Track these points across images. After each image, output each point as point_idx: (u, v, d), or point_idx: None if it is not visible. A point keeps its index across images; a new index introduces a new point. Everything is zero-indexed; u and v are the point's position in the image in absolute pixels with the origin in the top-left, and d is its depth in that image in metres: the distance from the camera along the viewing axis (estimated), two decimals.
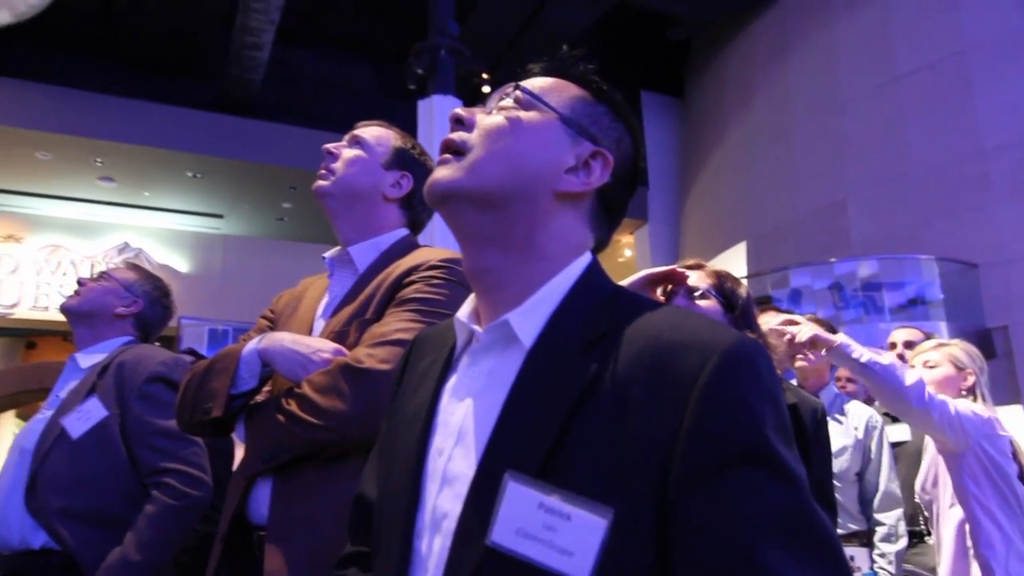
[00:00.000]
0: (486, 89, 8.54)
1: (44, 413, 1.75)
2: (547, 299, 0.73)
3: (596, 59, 0.86)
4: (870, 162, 8.22)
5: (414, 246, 1.40)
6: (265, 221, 11.38)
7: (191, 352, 2.62)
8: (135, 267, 2.06)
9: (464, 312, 0.79)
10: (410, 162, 1.45)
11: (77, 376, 1.80)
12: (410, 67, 7.87)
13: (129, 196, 10.31)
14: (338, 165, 1.39)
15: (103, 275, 1.94)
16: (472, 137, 0.77)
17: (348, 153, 1.41)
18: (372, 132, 1.45)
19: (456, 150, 0.77)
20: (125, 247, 10.86)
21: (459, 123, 0.79)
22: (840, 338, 1.94)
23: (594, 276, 0.76)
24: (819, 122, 8.87)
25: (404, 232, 1.43)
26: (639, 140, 0.83)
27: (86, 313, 1.87)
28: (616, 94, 0.83)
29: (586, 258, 0.77)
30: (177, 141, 9.15)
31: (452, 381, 0.77)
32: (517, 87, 0.80)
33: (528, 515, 0.60)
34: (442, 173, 0.76)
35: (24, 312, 10.26)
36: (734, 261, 9.35)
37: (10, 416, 11.83)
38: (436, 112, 7.45)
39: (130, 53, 9.72)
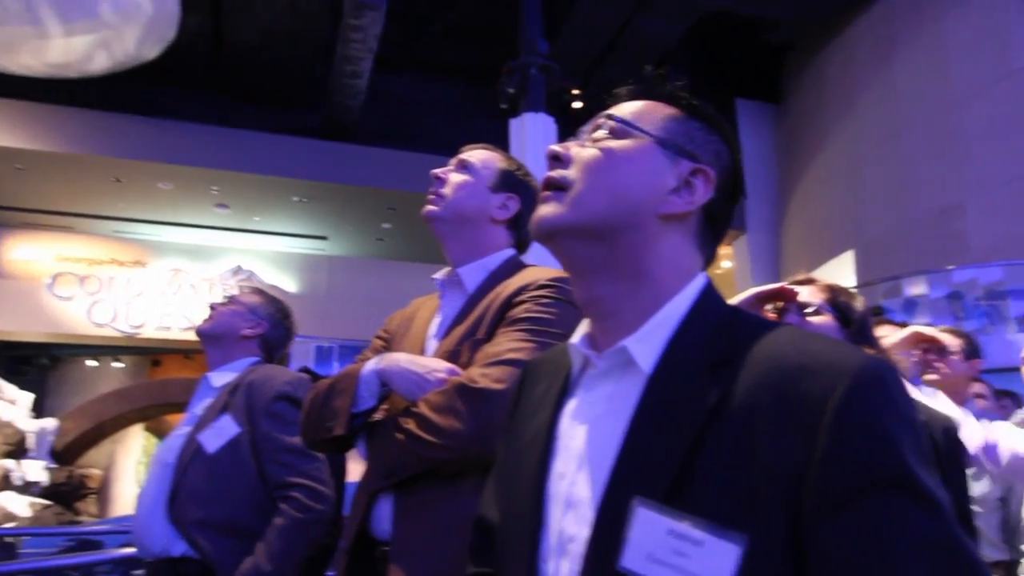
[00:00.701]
0: (577, 105, 8.57)
1: (182, 429, 1.88)
2: (664, 323, 0.73)
3: (687, 70, 0.86)
4: (989, 162, 7.70)
5: (521, 266, 1.43)
6: (366, 241, 11.79)
7: (306, 371, 2.76)
8: (259, 291, 2.18)
9: (578, 338, 0.80)
10: (516, 184, 1.48)
11: (211, 394, 1.92)
12: (501, 87, 8.00)
13: (241, 221, 10.93)
14: (447, 190, 1.43)
15: (231, 299, 2.07)
16: (571, 172, 0.78)
17: (456, 177, 1.45)
18: (478, 155, 1.48)
19: (557, 186, 0.78)
20: (238, 269, 11.51)
21: (556, 159, 0.80)
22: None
23: (710, 298, 0.76)
24: (930, 122, 8.39)
25: (511, 252, 1.46)
26: (736, 150, 0.83)
27: (217, 335, 1.99)
28: (708, 107, 0.83)
29: (700, 280, 0.77)
30: (284, 168, 9.65)
31: (571, 406, 0.78)
32: (610, 117, 0.81)
33: (658, 541, 0.61)
34: (546, 210, 0.78)
35: (150, 332, 11.03)
36: (841, 270, 8.95)
37: (139, 428, 12.72)
38: (528, 130, 7.53)
39: (240, 87, 10.33)
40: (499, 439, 0.96)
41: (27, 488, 10.00)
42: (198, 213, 10.61)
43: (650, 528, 0.62)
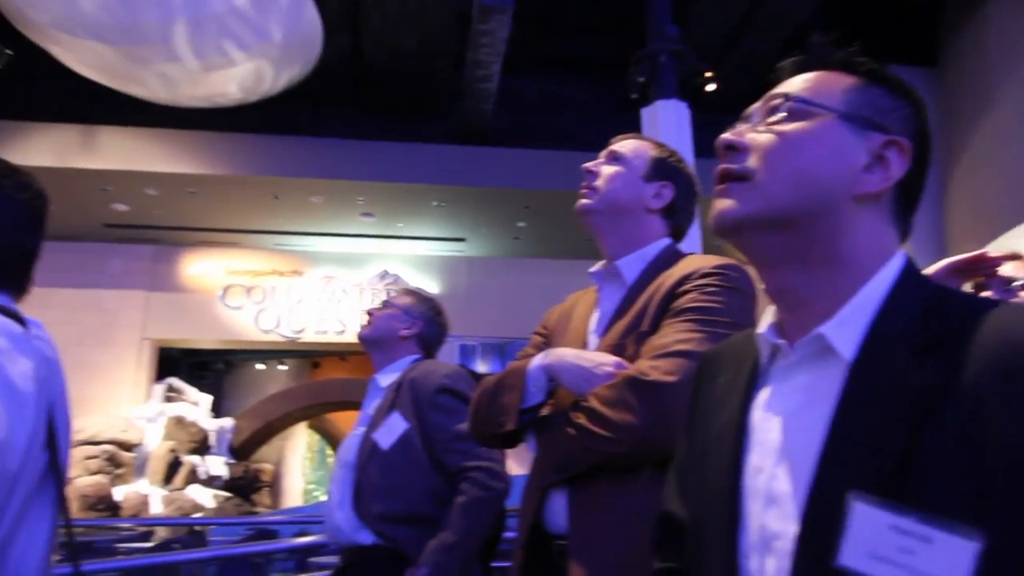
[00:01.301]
0: (711, 87, 8.29)
1: (358, 429, 2.01)
2: (863, 307, 0.69)
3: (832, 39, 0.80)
4: None
5: (679, 255, 1.41)
6: (502, 241, 12.04)
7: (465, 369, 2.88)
8: (411, 292, 2.27)
9: (765, 326, 0.77)
10: (669, 171, 1.46)
11: (379, 395, 2.05)
12: (632, 77, 7.89)
13: (386, 228, 11.48)
14: (599, 183, 1.43)
15: (386, 303, 2.16)
16: (751, 161, 0.74)
17: (607, 169, 1.44)
18: (629, 145, 1.47)
19: (737, 176, 0.74)
20: (385, 274, 12.11)
21: (731, 149, 0.76)
22: None
23: (912, 277, 0.71)
24: None
25: (667, 241, 1.44)
26: (924, 112, 0.76)
27: (377, 339, 2.10)
28: (886, 69, 0.77)
29: (899, 259, 0.72)
30: (422, 175, 10.04)
31: (762, 397, 0.75)
32: (785, 96, 0.76)
33: (879, 537, 0.58)
34: (728, 204, 0.74)
35: (309, 336, 11.84)
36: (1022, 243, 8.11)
37: (303, 426, 13.70)
38: (660, 118, 7.38)
39: (378, 101, 10.85)
40: (673, 432, 0.95)
41: (211, 481, 11.02)
42: (347, 223, 11.26)
43: (870, 524, 0.59)
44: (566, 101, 11.01)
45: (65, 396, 0.95)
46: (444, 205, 10.63)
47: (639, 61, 7.37)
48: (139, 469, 10.48)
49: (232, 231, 11.51)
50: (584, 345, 1.36)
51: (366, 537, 1.82)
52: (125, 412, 10.67)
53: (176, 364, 12.39)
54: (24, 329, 0.89)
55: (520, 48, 9.55)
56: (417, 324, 2.12)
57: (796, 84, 0.77)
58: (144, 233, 11.34)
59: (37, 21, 7.23)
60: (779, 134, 0.74)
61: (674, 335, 1.21)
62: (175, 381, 11.68)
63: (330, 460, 16.03)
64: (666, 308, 1.28)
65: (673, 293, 1.28)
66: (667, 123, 7.32)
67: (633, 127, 7.64)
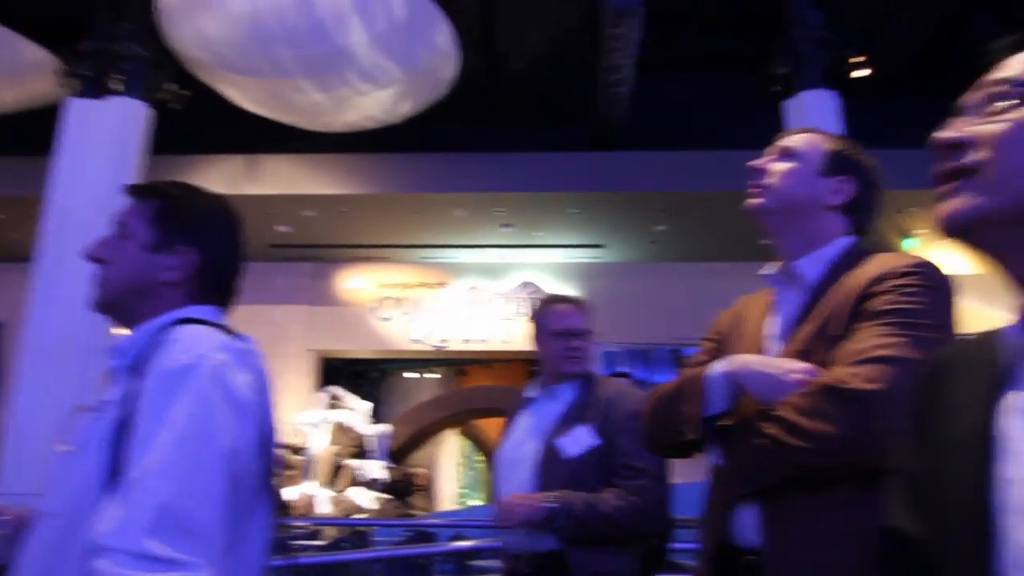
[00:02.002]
0: (860, 73, 7.77)
1: (519, 435, 2.06)
2: None
3: (996, 11, 0.71)
4: None
5: (865, 253, 1.32)
6: (640, 246, 11.88)
7: (622, 375, 2.85)
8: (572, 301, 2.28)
9: (1011, 326, 0.71)
10: (848, 164, 1.37)
11: (553, 404, 2.08)
12: (772, 69, 7.57)
13: (525, 238, 11.67)
14: (771, 180, 1.36)
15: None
16: (979, 154, 0.69)
17: (779, 166, 1.37)
18: (801, 139, 1.40)
19: (965, 172, 0.69)
20: (526, 283, 12.32)
21: (954, 147, 0.71)
22: None
23: None
24: None
25: (850, 240, 1.35)
26: None
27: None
28: None
29: None
30: (559, 183, 10.13)
31: (1013, 402, 0.69)
32: (1011, 82, 0.69)
33: None
34: (960, 202, 0.69)
35: (456, 345, 12.26)
36: None
37: (453, 432, 14.18)
38: (807, 110, 7.03)
39: (513, 113, 11.08)
40: (877, 444, 0.90)
41: (371, 484, 11.64)
42: (487, 234, 11.56)
43: None
44: (702, 100, 10.72)
45: (272, 406, 1.04)
46: (581, 212, 10.66)
47: (780, 51, 7.06)
48: (306, 471, 11.26)
49: (382, 246, 12.15)
50: (761, 351, 1.30)
51: (549, 543, 1.85)
52: (293, 418, 11.50)
53: (337, 373, 13.23)
54: (242, 344, 1.00)
55: (652, 49, 9.41)
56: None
57: (1019, 68, 0.70)
58: (305, 252, 12.23)
59: (205, 62, 8.03)
60: (1014, 122, 0.68)
61: (873, 340, 1.13)
62: (336, 389, 12.47)
63: (479, 466, 16.44)
64: (858, 311, 1.20)
65: (866, 294, 1.20)
66: (814, 115, 6.96)
67: (776, 121, 7.31)
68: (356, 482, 11.48)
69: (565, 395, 2.05)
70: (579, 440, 1.90)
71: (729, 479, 1.23)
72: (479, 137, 10.70)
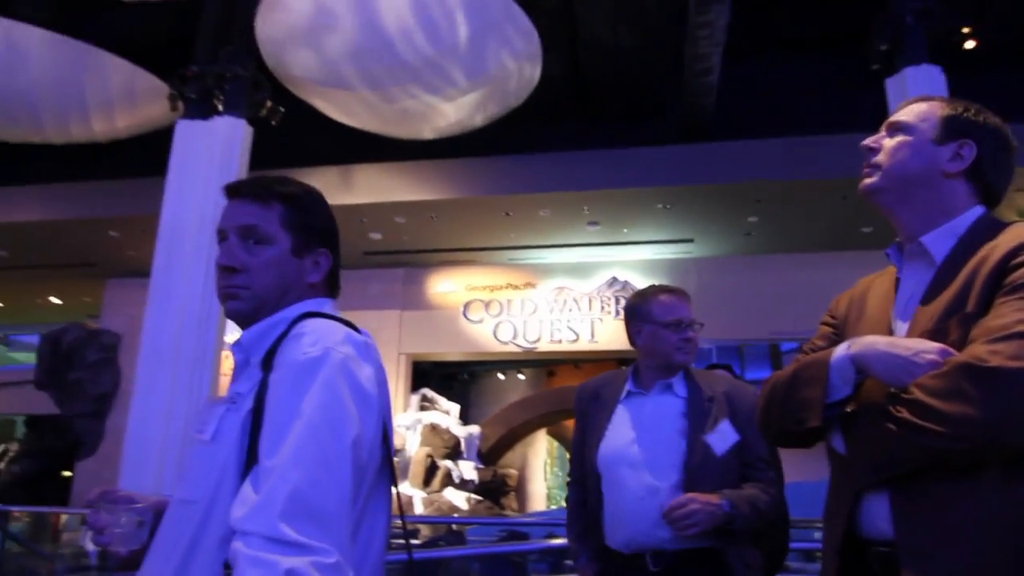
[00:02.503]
0: (970, 44, 7.33)
1: (627, 432, 2.01)
2: None
3: None
4: None
5: (997, 224, 1.24)
6: (733, 238, 11.58)
7: (722, 367, 2.77)
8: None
9: None
10: (968, 127, 1.29)
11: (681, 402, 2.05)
12: (872, 46, 7.24)
13: (612, 235, 11.58)
14: (881, 158, 1.31)
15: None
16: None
17: (889, 142, 1.32)
18: (912, 110, 1.34)
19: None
20: (613, 281, 12.21)
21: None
22: None
23: None
24: None
25: (980, 210, 1.28)
26: None
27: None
28: None
29: None
30: (646, 178, 9.99)
31: None
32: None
33: None
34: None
35: (544, 346, 12.28)
36: None
37: (543, 433, 14.20)
38: (911, 87, 6.70)
39: (597, 109, 11.03)
40: None
41: (464, 485, 11.81)
42: (573, 233, 11.53)
43: None
44: (794, 84, 10.36)
45: (389, 399, 1.07)
46: (670, 207, 10.48)
47: (880, 26, 6.74)
48: (402, 472, 11.52)
49: (470, 250, 12.31)
50: (888, 332, 1.25)
51: (677, 541, 1.82)
52: None
53: (427, 375, 13.48)
54: (363, 338, 1.03)
55: (739, 35, 9.18)
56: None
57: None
58: (395, 258, 12.53)
59: (300, 78, 8.35)
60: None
61: (1015, 314, 1.07)
62: (428, 391, 12.71)
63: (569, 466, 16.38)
64: (996, 285, 1.13)
65: (1005, 267, 1.14)
66: (917, 92, 6.61)
67: (877, 102, 6.98)
68: (449, 482, 11.66)
69: (679, 389, 2.00)
70: (726, 436, 1.88)
71: (856, 467, 1.18)
72: (563, 135, 10.70)
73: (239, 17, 8.45)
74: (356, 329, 1.05)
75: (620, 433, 1.99)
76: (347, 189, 10.92)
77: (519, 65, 8.04)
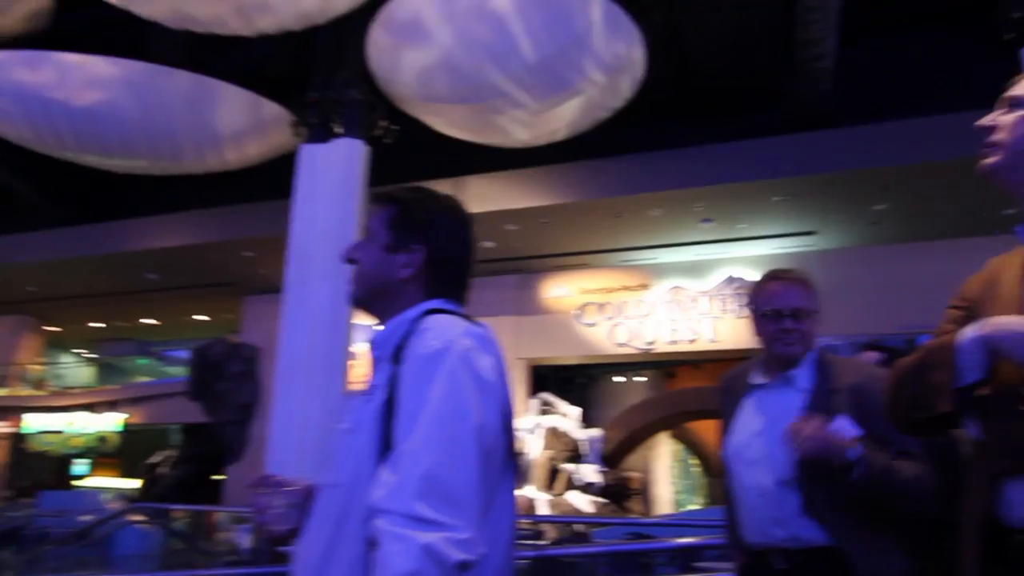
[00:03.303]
0: None
1: (752, 427, 1.94)
2: None
3: None
4: None
5: None
6: (858, 228, 10.98)
7: (878, 348, 2.56)
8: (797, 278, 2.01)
9: None
10: None
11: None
12: (1002, 15, 6.72)
13: (726, 232, 11.27)
14: (1001, 135, 1.26)
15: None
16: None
17: (1007, 119, 1.27)
18: None
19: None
20: (731, 279, 11.87)
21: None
22: None
23: None
24: None
25: None
26: None
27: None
28: None
29: None
30: (760, 171, 9.66)
31: None
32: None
33: None
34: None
35: (662, 347, 12.10)
36: None
37: (666, 436, 13.96)
38: None
39: (705, 104, 10.77)
40: None
41: (586, 488, 11.81)
42: (687, 231, 11.31)
43: None
44: (915, 63, 9.70)
45: (510, 388, 1.13)
46: (787, 199, 10.08)
47: None
48: (525, 475, 11.66)
49: (582, 253, 12.33)
50: (1021, 312, 1.20)
51: (817, 535, 1.71)
52: None
53: (546, 380, 13.59)
54: (482, 331, 1.11)
55: (853, 16, 8.70)
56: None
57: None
58: (508, 265, 12.74)
59: (412, 96, 8.69)
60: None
61: None
62: (547, 395, 12.81)
63: (694, 470, 16.02)
64: None
65: None
66: None
67: (1009, 73, 6.43)
68: (572, 486, 11.69)
69: (802, 381, 1.88)
70: (842, 432, 1.76)
71: (992, 453, 1.14)
72: (671, 133, 10.53)
73: (351, 43, 8.91)
74: (477, 323, 1.12)
75: (742, 428, 1.93)
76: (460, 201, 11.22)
77: (624, 65, 8.01)
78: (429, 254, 1.18)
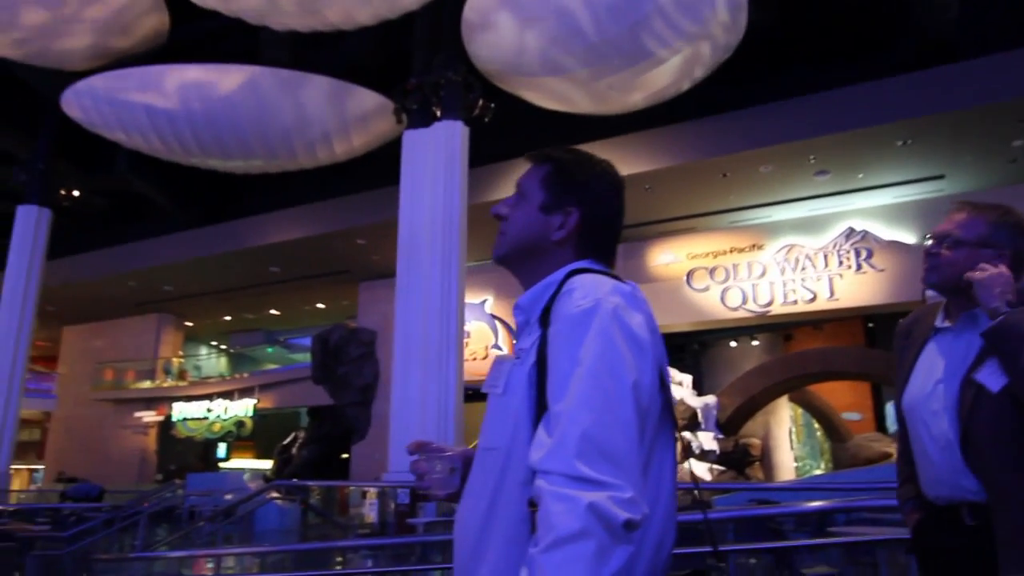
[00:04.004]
0: None
1: (927, 374, 1.80)
2: None
3: None
4: None
5: None
6: (994, 168, 10.13)
7: None
8: (974, 208, 1.73)
9: None
10: None
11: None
12: None
13: (843, 183, 10.67)
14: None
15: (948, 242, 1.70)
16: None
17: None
18: None
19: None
20: (850, 232, 11.25)
21: None
22: None
23: None
24: None
25: None
26: None
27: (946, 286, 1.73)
28: None
29: None
30: (879, 115, 9.06)
31: None
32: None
33: None
34: None
35: (777, 309, 11.65)
36: None
37: (785, 401, 13.50)
38: None
39: (814, 49, 10.19)
40: None
41: (704, 456, 11.61)
42: (800, 186, 10.80)
43: None
44: None
45: (664, 346, 1.10)
46: (911, 142, 9.41)
47: None
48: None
49: (688, 217, 12.02)
50: None
51: (978, 491, 1.62)
52: None
53: None
54: (630, 288, 1.09)
55: None
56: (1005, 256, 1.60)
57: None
58: None
59: (507, 72, 8.68)
60: None
61: None
62: None
63: (817, 434, 15.44)
64: None
65: None
66: None
67: None
68: (690, 454, 11.52)
69: (985, 320, 1.69)
70: (997, 375, 1.62)
71: None
72: (778, 84, 10.03)
73: (447, 25, 9.00)
74: (624, 281, 1.11)
75: (922, 376, 1.79)
76: None
77: (724, 14, 7.69)
78: (583, 216, 1.16)
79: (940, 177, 10.38)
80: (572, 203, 1.16)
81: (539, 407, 1.01)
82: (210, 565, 6.09)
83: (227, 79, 9.37)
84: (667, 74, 8.21)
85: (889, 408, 12.61)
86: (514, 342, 1.21)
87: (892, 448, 9.61)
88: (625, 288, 1.07)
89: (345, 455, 15.81)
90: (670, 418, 1.09)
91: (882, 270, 10.90)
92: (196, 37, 11.51)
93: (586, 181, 1.18)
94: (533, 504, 0.94)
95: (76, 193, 13.36)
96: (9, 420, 12.05)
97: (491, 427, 1.10)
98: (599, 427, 0.93)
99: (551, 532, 0.88)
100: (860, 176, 10.43)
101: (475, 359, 13.53)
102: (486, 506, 1.04)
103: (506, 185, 11.51)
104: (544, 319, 1.06)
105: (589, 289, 1.03)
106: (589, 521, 0.87)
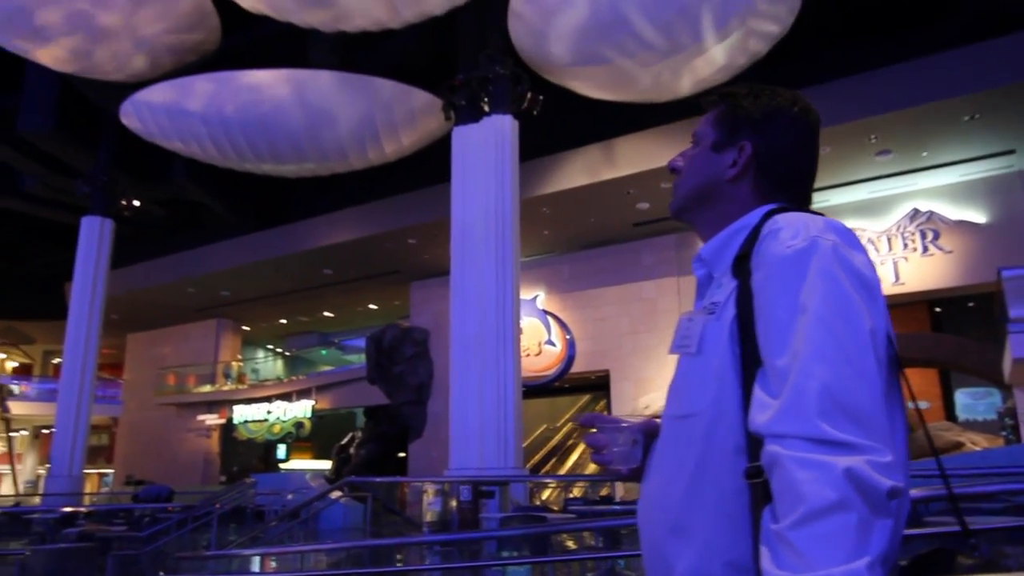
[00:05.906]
0: None
1: None
2: None
3: None
4: None
5: None
6: None
7: None
8: None
9: None
10: None
11: None
12: None
13: (907, 162, 10.28)
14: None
15: None
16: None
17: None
18: None
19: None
20: (915, 213, 10.85)
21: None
22: None
23: None
24: None
25: None
26: None
27: None
28: None
29: None
30: (945, 89, 8.69)
31: None
32: None
33: None
34: None
35: None
36: None
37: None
38: None
39: (871, 24, 9.85)
40: None
41: None
42: (860, 167, 10.44)
43: None
44: None
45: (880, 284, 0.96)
46: (979, 116, 9.01)
47: None
48: None
49: None
50: None
51: None
52: None
53: None
54: (843, 225, 0.97)
55: None
56: None
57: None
58: (666, 225, 12.40)
59: (555, 64, 8.59)
60: None
61: None
62: None
63: None
64: None
65: None
66: None
67: None
68: None
69: None
70: None
71: None
72: (832, 61, 9.71)
73: (493, 20, 8.95)
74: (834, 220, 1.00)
75: None
76: (610, 164, 11.03)
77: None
78: (757, 150, 1.04)
79: (1011, 152, 9.92)
80: (744, 137, 1.05)
81: (747, 365, 0.89)
82: (292, 563, 6.17)
83: (279, 84, 9.51)
84: (722, 55, 8.02)
85: (959, 396, 12.14)
86: (696, 301, 1.10)
87: (964, 437, 9.24)
88: (839, 224, 0.94)
89: (402, 454, 15.94)
90: (897, 368, 0.96)
91: (950, 252, 10.49)
92: (245, 44, 11.72)
93: (762, 113, 1.06)
94: (753, 473, 0.83)
95: (136, 203, 13.74)
96: (81, 426, 12.48)
97: (685, 392, 0.98)
98: (839, 381, 0.80)
99: (800, 504, 0.75)
100: (924, 154, 10.04)
101: (528, 355, 13.48)
102: (687, 479, 0.92)
103: (555, 177, 11.43)
104: (739, 267, 0.95)
105: (799, 227, 0.89)
106: (847, 490, 0.74)
